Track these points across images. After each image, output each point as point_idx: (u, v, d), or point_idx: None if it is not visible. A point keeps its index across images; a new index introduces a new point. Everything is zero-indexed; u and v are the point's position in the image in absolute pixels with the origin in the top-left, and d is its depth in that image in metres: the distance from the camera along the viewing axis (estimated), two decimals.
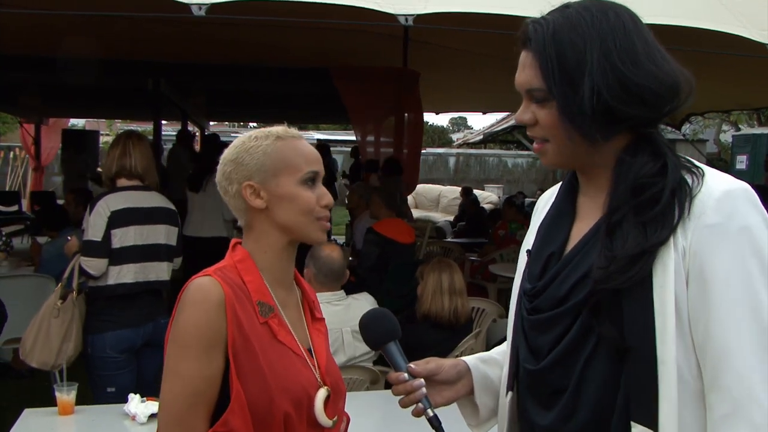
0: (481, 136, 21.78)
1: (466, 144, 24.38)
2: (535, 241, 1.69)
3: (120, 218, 3.97)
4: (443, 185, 20.66)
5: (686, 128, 17.96)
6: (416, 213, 17.05)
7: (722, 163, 20.46)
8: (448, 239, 11.49)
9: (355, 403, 3.53)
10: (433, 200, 19.34)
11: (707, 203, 1.41)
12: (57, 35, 6.97)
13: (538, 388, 1.59)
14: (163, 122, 15.12)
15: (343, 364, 3.72)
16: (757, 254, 1.39)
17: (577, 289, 1.49)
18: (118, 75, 8.86)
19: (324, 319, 1.89)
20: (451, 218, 15.37)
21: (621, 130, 1.49)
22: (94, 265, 3.90)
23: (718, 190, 1.42)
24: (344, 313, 3.77)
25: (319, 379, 1.73)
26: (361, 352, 3.78)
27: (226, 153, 1.75)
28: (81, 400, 3.29)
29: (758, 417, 1.35)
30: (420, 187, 18.53)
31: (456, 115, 41.89)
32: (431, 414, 1.65)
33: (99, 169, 3.96)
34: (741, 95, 9.78)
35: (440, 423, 1.65)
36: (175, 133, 13.21)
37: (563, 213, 1.65)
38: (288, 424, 1.63)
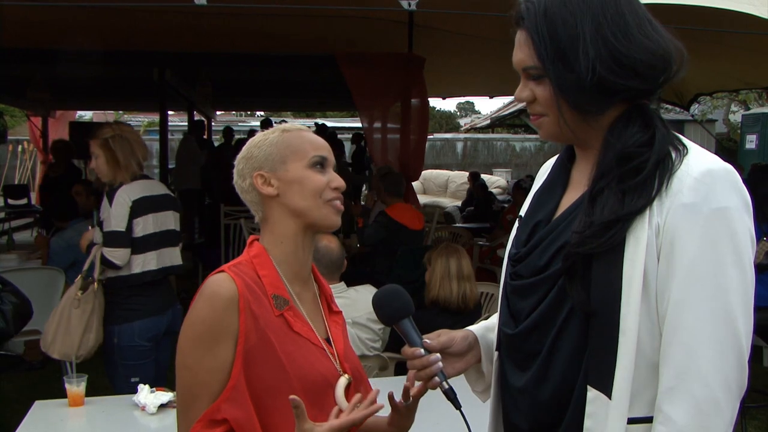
0: (489, 121, 21.71)
1: (474, 129, 24.31)
2: (527, 208, 1.74)
3: (140, 207, 4.02)
4: (451, 170, 20.61)
5: (695, 108, 17.87)
6: (424, 199, 17.05)
7: (732, 143, 20.37)
8: (457, 224, 11.49)
9: None
10: (441, 186, 19.31)
11: (685, 182, 1.43)
12: (62, 28, 6.98)
13: (515, 352, 1.64)
14: (170, 112, 15.16)
15: None
16: (731, 237, 1.40)
17: (558, 258, 1.53)
18: (124, 66, 8.87)
19: (342, 312, 1.91)
20: (460, 203, 15.36)
21: (615, 102, 1.52)
22: (119, 255, 3.92)
23: (697, 169, 1.44)
24: (345, 305, 3.71)
25: (338, 368, 1.75)
26: (367, 337, 3.76)
27: (240, 154, 1.80)
28: (93, 392, 3.31)
29: (700, 392, 1.38)
30: (428, 172, 18.56)
31: (463, 99, 41.82)
32: (447, 386, 1.69)
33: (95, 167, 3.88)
34: (749, 74, 9.70)
35: (455, 394, 1.69)
36: (183, 124, 13.27)
37: (556, 182, 1.69)
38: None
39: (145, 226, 4.04)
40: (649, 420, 1.44)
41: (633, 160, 1.47)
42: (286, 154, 1.74)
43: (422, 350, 1.69)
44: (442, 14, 6.13)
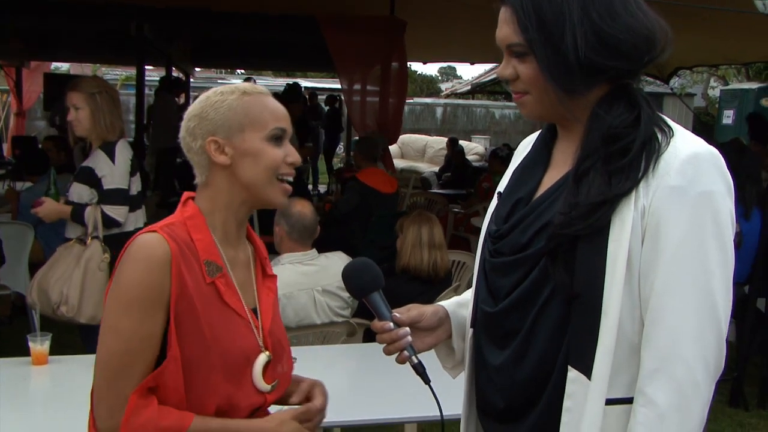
0: (469, 87, 21.65)
1: (454, 94, 24.23)
2: (507, 184, 1.72)
3: (133, 166, 4.04)
4: (430, 135, 20.56)
5: (674, 82, 17.91)
6: (402, 163, 17.02)
7: (709, 117, 20.47)
8: (433, 190, 11.48)
9: (331, 354, 3.60)
10: (419, 150, 19.25)
11: (672, 164, 1.42)
12: None
13: (494, 330, 1.63)
14: (149, 67, 14.95)
15: (321, 325, 3.72)
16: (715, 221, 1.41)
17: (540, 236, 1.52)
18: (101, 19, 8.71)
19: (276, 276, 1.86)
20: (437, 169, 15.35)
21: (600, 81, 1.50)
22: (122, 213, 3.93)
23: (684, 152, 1.43)
24: (316, 273, 3.71)
25: (261, 343, 1.71)
26: (336, 305, 3.76)
27: (191, 108, 1.70)
28: (59, 350, 3.29)
29: (680, 373, 1.40)
30: (406, 137, 18.48)
31: (445, 64, 41.61)
32: (416, 361, 1.68)
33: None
34: (729, 49, 9.74)
35: (425, 369, 1.68)
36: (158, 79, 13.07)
37: (537, 160, 1.67)
38: (225, 388, 1.61)
39: (136, 185, 4.08)
40: (627, 401, 1.45)
41: (619, 141, 1.46)
42: (244, 123, 1.65)
43: (391, 324, 1.68)
44: None
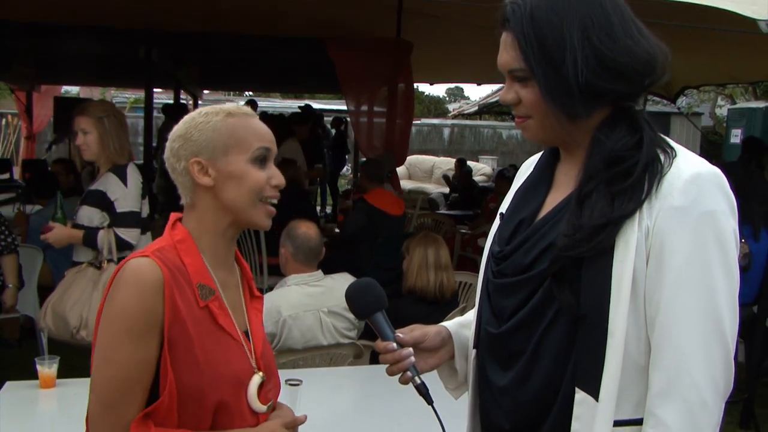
0: (476, 107, 21.69)
1: (461, 115, 24.26)
2: (509, 205, 1.73)
3: (143, 189, 4.07)
4: (437, 156, 20.59)
5: (681, 101, 17.89)
6: (409, 184, 17.06)
7: (717, 136, 20.43)
8: (440, 211, 11.49)
9: (337, 376, 3.60)
10: (427, 171, 19.28)
11: (675, 185, 1.43)
12: (50, 2, 6.91)
13: (498, 351, 1.64)
14: (158, 90, 15.03)
15: (328, 346, 3.72)
16: (719, 240, 1.42)
17: (543, 258, 1.53)
18: (110, 43, 8.79)
19: (262, 297, 1.86)
20: (445, 190, 15.36)
21: (601, 105, 1.52)
22: (134, 235, 3.94)
23: (687, 172, 1.44)
24: (322, 294, 3.72)
25: (254, 365, 1.71)
26: (342, 326, 3.77)
27: (176, 129, 1.69)
28: (67, 372, 3.30)
29: (691, 395, 1.40)
30: (413, 158, 18.52)
31: (452, 85, 41.69)
32: (419, 381, 1.68)
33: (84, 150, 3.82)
34: (734, 69, 9.74)
35: (428, 390, 1.68)
36: (171, 102, 13.14)
37: (540, 181, 1.69)
38: (220, 413, 1.62)
39: (145, 208, 4.11)
40: (635, 422, 1.46)
41: (621, 163, 1.47)
42: (228, 144, 1.63)
43: (394, 344, 1.69)
44: (432, 1, 6.11)
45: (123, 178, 3.94)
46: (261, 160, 1.67)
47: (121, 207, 3.92)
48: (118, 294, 1.55)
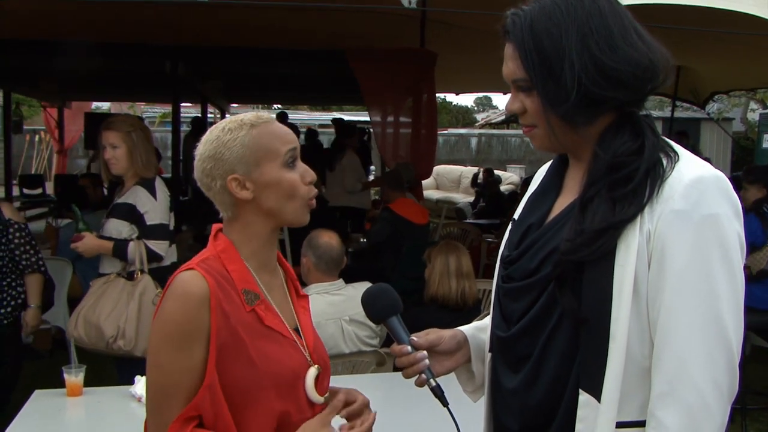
0: (504, 116, 21.66)
1: (489, 124, 24.26)
2: (521, 211, 1.76)
3: (170, 202, 4.12)
4: (465, 166, 20.58)
5: (712, 107, 17.75)
6: (437, 194, 17.08)
7: (749, 141, 20.22)
8: (468, 220, 11.49)
9: (359, 384, 3.57)
10: (454, 181, 19.28)
11: (676, 188, 1.44)
12: (77, 19, 7.03)
13: (507, 354, 1.66)
14: (188, 104, 15.19)
15: (350, 354, 3.74)
16: (721, 244, 1.42)
17: (548, 262, 1.55)
18: (137, 58, 8.91)
19: (308, 296, 1.92)
20: (472, 199, 15.36)
21: (604, 111, 1.53)
22: (164, 247, 4.00)
23: (688, 176, 1.45)
24: (343, 302, 3.74)
25: (308, 359, 1.76)
26: (364, 334, 3.79)
27: (203, 150, 1.73)
28: (96, 382, 3.36)
29: (691, 398, 1.41)
30: (441, 167, 18.53)
31: (480, 95, 41.68)
32: (434, 384, 1.72)
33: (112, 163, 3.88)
34: (764, 73, 9.64)
35: (443, 392, 1.71)
36: (198, 115, 13.25)
37: (550, 187, 1.71)
38: (280, 407, 1.66)
39: (172, 219, 4.16)
40: (638, 424, 1.47)
41: (623, 169, 1.49)
42: (259, 156, 1.69)
43: (409, 347, 1.72)
44: (455, 12, 6.13)
45: (152, 191, 3.99)
46: (291, 162, 1.73)
47: (151, 219, 3.97)
48: (165, 305, 1.63)
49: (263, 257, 1.76)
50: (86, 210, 6.37)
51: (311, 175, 1.75)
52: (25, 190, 13.72)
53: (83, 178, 6.76)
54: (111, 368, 4.23)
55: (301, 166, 1.75)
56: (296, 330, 1.79)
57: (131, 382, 3.25)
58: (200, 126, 11.54)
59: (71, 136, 14.36)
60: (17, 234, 4.09)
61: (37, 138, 19.14)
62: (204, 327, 1.60)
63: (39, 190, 13.82)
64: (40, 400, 3.18)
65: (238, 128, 1.71)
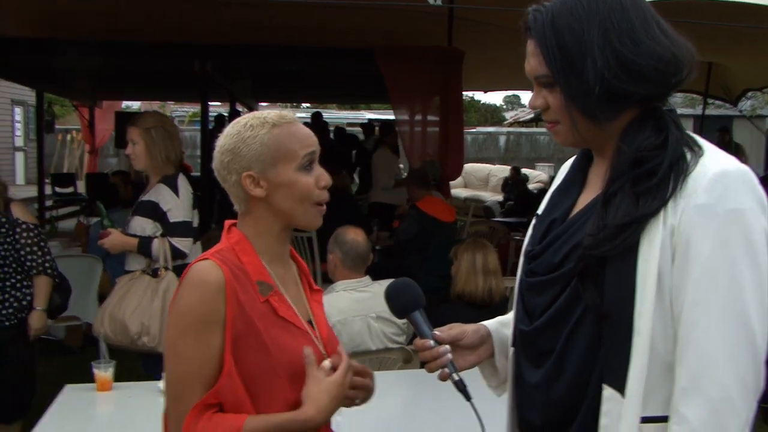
0: (533, 114, 21.56)
1: (517, 122, 24.15)
2: (545, 206, 1.76)
3: (194, 199, 4.13)
4: (493, 164, 20.51)
5: (744, 104, 17.50)
6: (465, 192, 17.04)
7: None
8: (497, 218, 11.46)
9: (386, 381, 3.58)
10: (483, 179, 19.22)
11: (700, 183, 1.43)
12: (107, 19, 7.10)
13: (530, 348, 1.66)
14: (217, 103, 15.27)
15: (376, 351, 3.75)
16: (746, 238, 1.41)
17: (571, 257, 1.55)
18: (166, 58, 8.98)
19: (321, 290, 1.95)
20: (500, 197, 15.31)
21: (627, 107, 1.53)
22: (188, 244, 4.01)
23: (712, 170, 1.44)
24: (369, 299, 3.75)
25: (322, 351, 1.78)
26: (391, 331, 3.80)
27: (223, 142, 1.76)
28: (126, 377, 3.40)
29: (715, 393, 1.40)
30: (469, 166, 18.46)
31: (510, 93, 41.51)
32: (456, 378, 1.72)
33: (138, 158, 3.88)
34: None
35: (465, 386, 1.72)
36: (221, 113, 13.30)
37: (573, 182, 1.71)
38: (294, 396, 1.68)
39: (195, 217, 4.17)
40: (663, 419, 1.46)
41: (646, 163, 1.48)
42: (276, 157, 1.72)
43: (432, 342, 1.73)
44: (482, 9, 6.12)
45: (174, 189, 4.01)
46: (308, 166, 1.74)
47: (174, 217, 3.99)
48: (182, 294, 1.65)
49: (276, 251, 1.78)
50: (116, 207, 6.45)
51: (326, 179, 1.77)
52: (57, 189, 13.90)
53: (114, 176, 6.84)
54: (140, 364, 4.27)
55: (317, 170, 1.77)
56: (310, 322, 1.81)
57: (158, 377, 3.27)
58: (223, 123, 11.60)
59: (102, 136, 14.48)
60: (24, 234, 4.06)
61: (69, 137, 19.37)
62: (220, 315, 1.62)
63: (71, 189, 14.00)
64: (70, 395, 3.23)
65: (260, 126, 1.73)
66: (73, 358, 5.99)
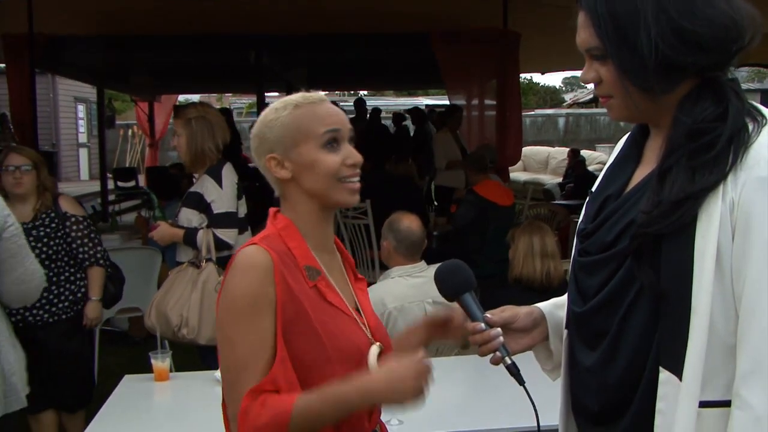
0: (592, 95, 21.24)
1: (576, 104, 23.82)
2: (598, 183, 1.70)
3: (239, 189, 4.13)
4: (552, 147, 20.26)
5: None
6: (524, 175, 16.86)
7: None
8: (556, 201, 11.31)
9: (443, 366, 3.55)
10: (542, 162, 18.99)
11: (762, 154, 1.36)
12: (163, 14, 7.19)
13: (583, 330, 1.61)
14: (274, 93, 15.36)
15: None
16: None
17: (626, 234, 1.48)
18: (222, 50, 9.07)
19: (365, 279, 1.92)
20: (560, 180, 15.12)
21: (684, 78, 1.46)
22: (232, 235, 4.00)
23: None
24: (424, 284, 3.68)
25: (370, 337, 1.75)
26: None
27: (254, 128, 1.77)
28: (184, 367, 3.44)
29: None
30: (528, 149, 18.26)
31: (569, 74, 40.94)
32: (509, 361, 1.68)
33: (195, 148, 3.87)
34: None
35: (518, 370, 1.68)
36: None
37: (628, 157, 1.64)
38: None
39: (243, 208, 4.16)
40: (724, 404, 1.39)
41: (704, 136, 1.41)
42: (296, 137, 1.70)
43: (483, 325, 1.69)
44: None
45: (218, 180, 4.00)
46: (331, 143, 1.71)
47: (217, 208, 3.98)
48: (231, 280, 1.63)
49: (319, 237, 1.76)
50: (176, 198, 6.53)
51: (355, 157, 1.73)
52: (119, 183, 14.15)
53: (172, 168, 6.91)
54: (193, 355, 4.31)
55: (346, 149, 1.73)
56: (357, 309, 1.79)
57: (214, 367, 3.29)
58: None
59: (160, 129, 14.71)
60: (74, 227, 4.12)
61: (129, 132, 19.72)
62: (270, 298, 1.60)
63: (132, 183, 14.22)
64: (129, 385, 3.28)
65: (282, 108, 1.73)
66: (136, 349, 6.08)
